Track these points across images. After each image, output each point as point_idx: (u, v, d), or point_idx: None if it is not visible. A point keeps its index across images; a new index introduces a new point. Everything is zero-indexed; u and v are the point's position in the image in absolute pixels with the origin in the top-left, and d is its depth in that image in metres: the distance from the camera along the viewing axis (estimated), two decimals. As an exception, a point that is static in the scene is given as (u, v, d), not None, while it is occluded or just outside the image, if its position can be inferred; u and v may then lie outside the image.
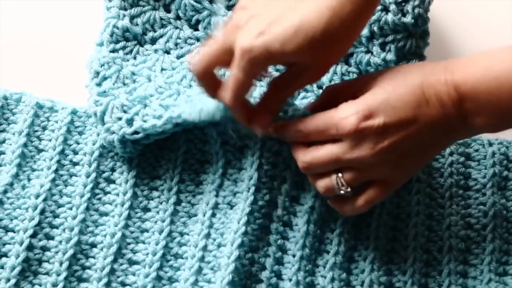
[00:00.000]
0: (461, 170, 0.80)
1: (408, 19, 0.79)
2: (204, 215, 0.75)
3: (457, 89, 0.64)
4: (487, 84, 0.64)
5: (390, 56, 0.79)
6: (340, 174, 0.68)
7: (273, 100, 0.70)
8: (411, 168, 0.69)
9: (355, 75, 0.81)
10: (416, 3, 0.79)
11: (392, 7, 0.78)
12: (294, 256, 0.73)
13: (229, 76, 0.66)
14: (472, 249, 0.76)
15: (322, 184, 0.69)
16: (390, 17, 0.79)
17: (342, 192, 0.68)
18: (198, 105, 0.73)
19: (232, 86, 0.65)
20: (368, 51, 0.80)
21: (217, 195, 0.75)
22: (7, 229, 0.71)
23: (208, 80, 0.68)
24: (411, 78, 0.66)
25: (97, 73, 0.78)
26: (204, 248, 0.73)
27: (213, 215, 0.75)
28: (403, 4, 0.79)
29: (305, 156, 0.68)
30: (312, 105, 0.73)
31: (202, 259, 0.73)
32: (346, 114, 0.66)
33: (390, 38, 0.80)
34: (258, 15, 0.65)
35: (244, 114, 0.68)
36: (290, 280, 0.72)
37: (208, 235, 0.74)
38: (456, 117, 0.65)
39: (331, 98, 0.70)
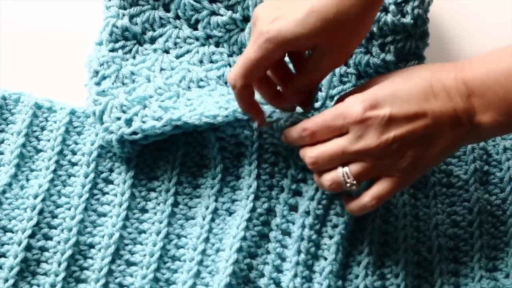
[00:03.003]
0: (442, 167, 0.80)
1: (407, 19, 0.78)
2: (203, 219, 0.75)
3: (466, 83, 0.65)
4: (496, 77, 0.64)
5: (390, 57, 0.79)
6: (346, 167, 0.68)
7: (300, 80, 0.71)
8: (419, 164, 0.68)
9: (354, 77, 0.81)
10: (416, 3, 0.78)
11: (392, 7, 0.78)
12: (290, 262, 0.73)
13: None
14: (460, 247, 0.76)
15: (328, 177, 0.68)
16: (389, 17, 0.78)
17: (348, 185, 0.68)
18: (198, 109, 0.73)
19: (241, 61, 0.67)
20: (368, 52, 0.80)
21: (216, 200, 0.76)
22: (5, 230, 0.72)
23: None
24: (420, 73, 0.67)
25: (96, 72, 0.78)
26: (203, 252, 0.73)
27: (212, 220, 0.75)
28: (403, 4, 0.79)
29: (313, 151, 0.69)
30: None
31: (200, 262, 0.73)
32: (353, 104, 0.66)
33: (389, 38, 0.79)
34: (275, 7, 0.67)
35: (266, 91, 0.72)
36: (288, 287, 0.72)
37: (207, 239, 0.74)
38: (463, 112, 0.65)
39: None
